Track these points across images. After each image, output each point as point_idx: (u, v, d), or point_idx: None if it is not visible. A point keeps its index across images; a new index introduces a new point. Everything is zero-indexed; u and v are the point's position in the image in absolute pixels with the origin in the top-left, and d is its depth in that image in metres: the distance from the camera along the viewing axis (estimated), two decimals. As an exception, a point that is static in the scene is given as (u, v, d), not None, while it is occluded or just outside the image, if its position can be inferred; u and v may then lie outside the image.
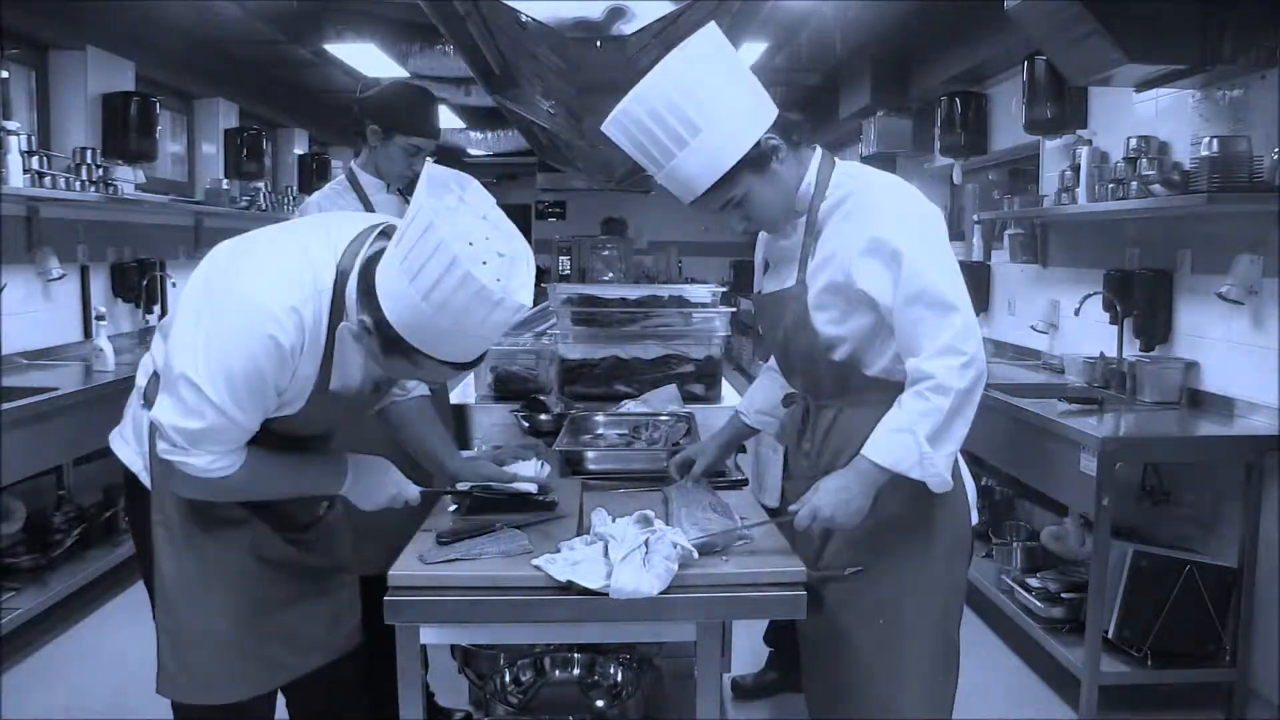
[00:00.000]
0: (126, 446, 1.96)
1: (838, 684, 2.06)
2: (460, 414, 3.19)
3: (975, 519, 2.09)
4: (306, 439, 1.93)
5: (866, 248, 1.86)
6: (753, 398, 2.31)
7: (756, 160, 1.86)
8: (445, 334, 1.60)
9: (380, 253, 1.65)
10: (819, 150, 1.99)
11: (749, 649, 3.45)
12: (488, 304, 1.56)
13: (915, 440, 1.81)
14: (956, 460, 1.94)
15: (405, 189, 2.82)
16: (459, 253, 1.52)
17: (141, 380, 1.94)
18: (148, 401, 1.87)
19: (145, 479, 1.92)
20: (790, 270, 2.00)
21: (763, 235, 2.14)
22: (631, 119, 1.82)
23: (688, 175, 1.84)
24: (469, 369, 1.76)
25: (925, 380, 1.82)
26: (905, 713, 1.98)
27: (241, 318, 1.66)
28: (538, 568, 1.73)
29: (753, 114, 1.86)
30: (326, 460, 1.94)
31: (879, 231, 1.85)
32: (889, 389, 1.90)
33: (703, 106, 1.79)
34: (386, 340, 1.63)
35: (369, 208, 2.77)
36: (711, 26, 1.87)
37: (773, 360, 2.27)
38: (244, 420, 1.70)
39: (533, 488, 2.09)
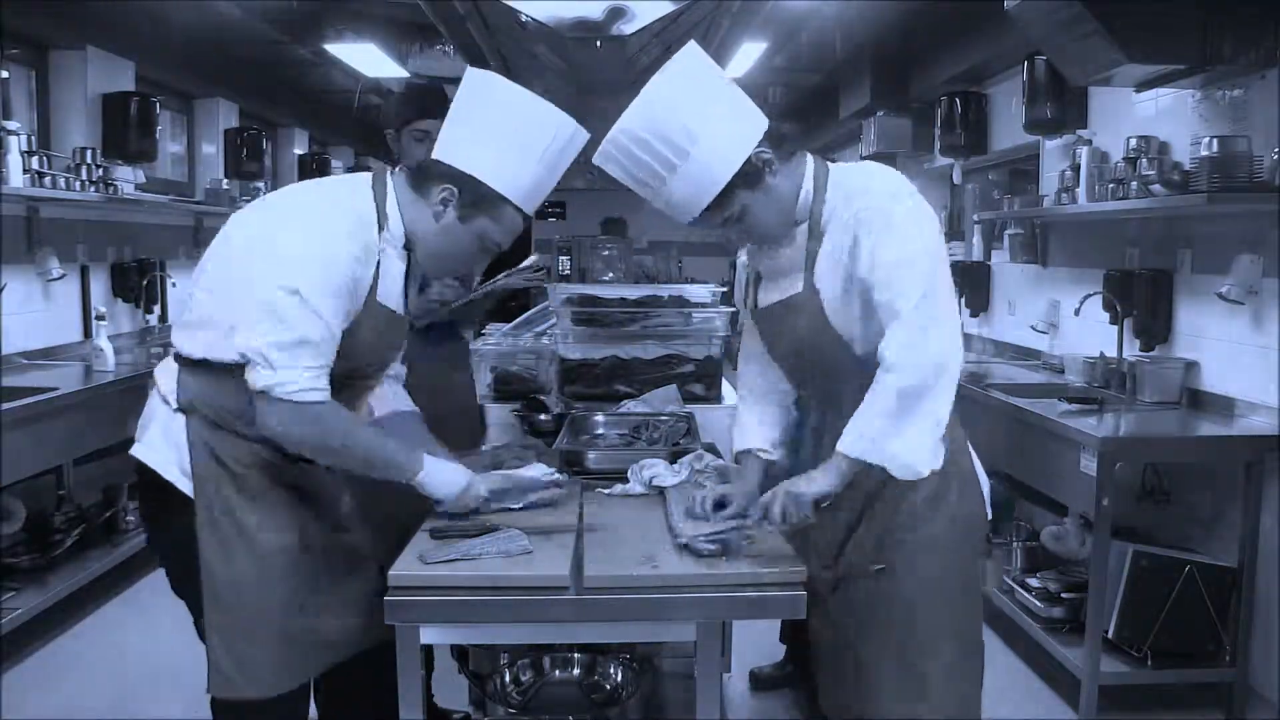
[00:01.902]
0: (156, 453, 1.93)
1: (859, 684, 2.03)
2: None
3: (990, 515, 2.10)
4: (345, 380, 1.94)
5: (860, 238, 1.87)
6: (763, 431, 2.14)
7: (749, 176, 1.85)
8: (526, 172, 1.87)
9: (414, 170, 1.94)
10: (810, 157, 1.96)
11: (768, 641, 3.45)
12: (566, 126, 1.91)
13: (870, 426, 1.82)
14: (971, 458, 1.99)
15: None
16: (528, 94, 1.85)
17: (165, 384, 1.94)
18: (181, 405, 1.90)
19: (183, 484, 1.91)
20: (793, 279, 1.98)
21: (749, 249, 2.13)
22: (619, 148, 1.83)
23: (682, 199, 1.86)
24: (527, 221, 1.97)
25: (881, 364, 1.83)
26: (929, 714, 1.99)
27: (320, 213, 1.85)
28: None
29: (740, 130, 1.85)
30: (403, 443, 1.98)
31: (865, 218, 1.86)
32: None
33: (688, 129, 1.79)
34: (469, 202, 1.87)
35: None
36: (691, 45, 1.86)
37: (754, 381, 2.18)
38: (335, 323, 1.80)
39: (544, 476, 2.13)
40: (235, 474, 1.90)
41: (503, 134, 1.87)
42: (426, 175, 1.91)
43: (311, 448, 1.88)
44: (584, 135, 1.96)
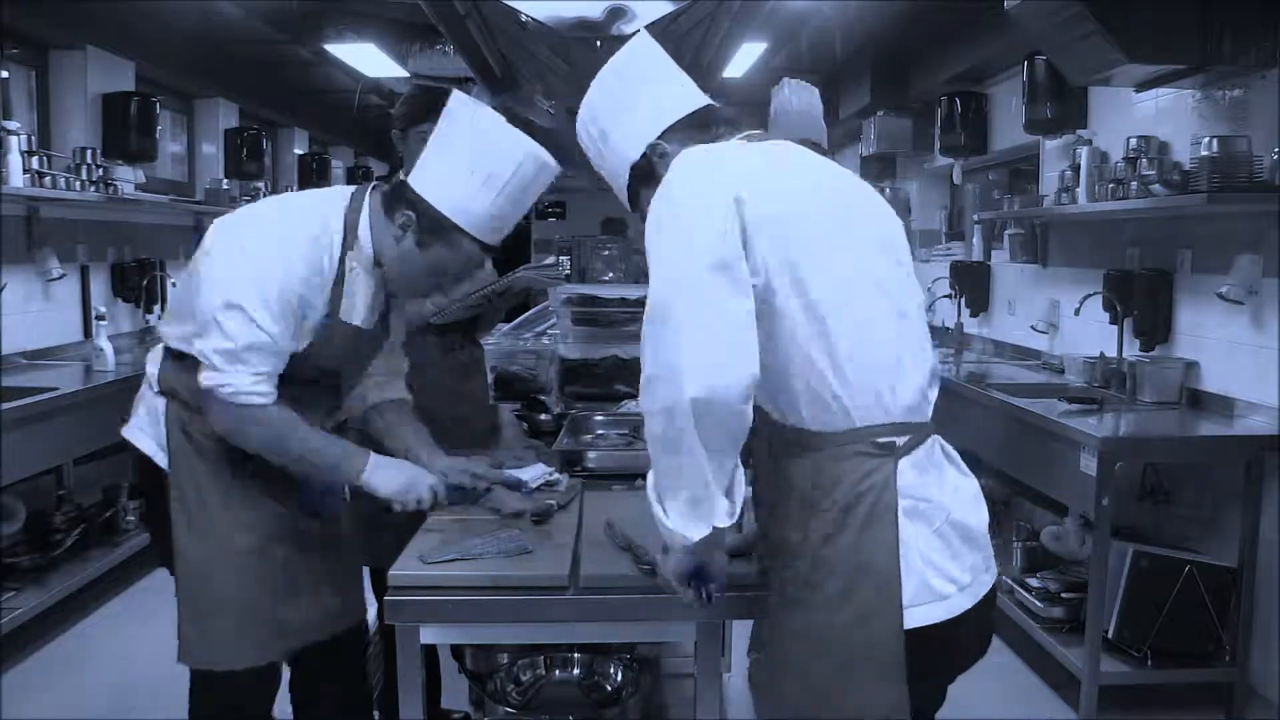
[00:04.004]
0: (143, 434, 2.05)
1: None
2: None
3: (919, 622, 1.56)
4: (317, 383, 2.01)
5: None
6: None
7: (645, 173, 1.69)
8: (485, 203, 1.88)
9: (388, 191, 1.96)
10: (736, 139, 1.68)
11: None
12: (535, 159, 1.89)
13: (650, 497, 1.55)
14: (897, 551, 1.53)
15: None
16: (502, 122, 1.85)
17: (151, 369, 2.05)
18: (162, 389, 2.01)
19: (162, 461, 2.00)
20: None
21: None
22: (581, 140, 1.81)
23: (616, 192, 1.79)
24: (491, 252, 1.99)
25: None
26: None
27: (274, 233, 1.89)
28: None
29: (639, 124, 1.70)
30: (352, 443, 2.03)
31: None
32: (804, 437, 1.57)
33: (598, 123, 1.74)
34: (427, 229, 1.89)
35: None
36: (641, 35, 1.78)
37: None
38: (278, 335, 1.85)
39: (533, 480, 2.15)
40: (205, 453, 1.98)
41: (468, 163, 1.89)
42: (395, 197, 1.94)
43: (257, 446, 1.93)
44: (554, 168, 1.94)
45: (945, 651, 1.61)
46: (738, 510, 1.54)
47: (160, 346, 2.05)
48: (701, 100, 1.74)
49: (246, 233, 1.92)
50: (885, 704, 1.54)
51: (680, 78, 1.76)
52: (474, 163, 1.88)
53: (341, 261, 1.93)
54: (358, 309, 1.99)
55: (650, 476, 1.55)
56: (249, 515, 1.99)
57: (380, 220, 1.95)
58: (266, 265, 1.85)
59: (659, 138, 1.68)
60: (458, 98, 1.94)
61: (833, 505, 1.54)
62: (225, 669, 1.99)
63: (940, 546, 1.56)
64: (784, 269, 1.50)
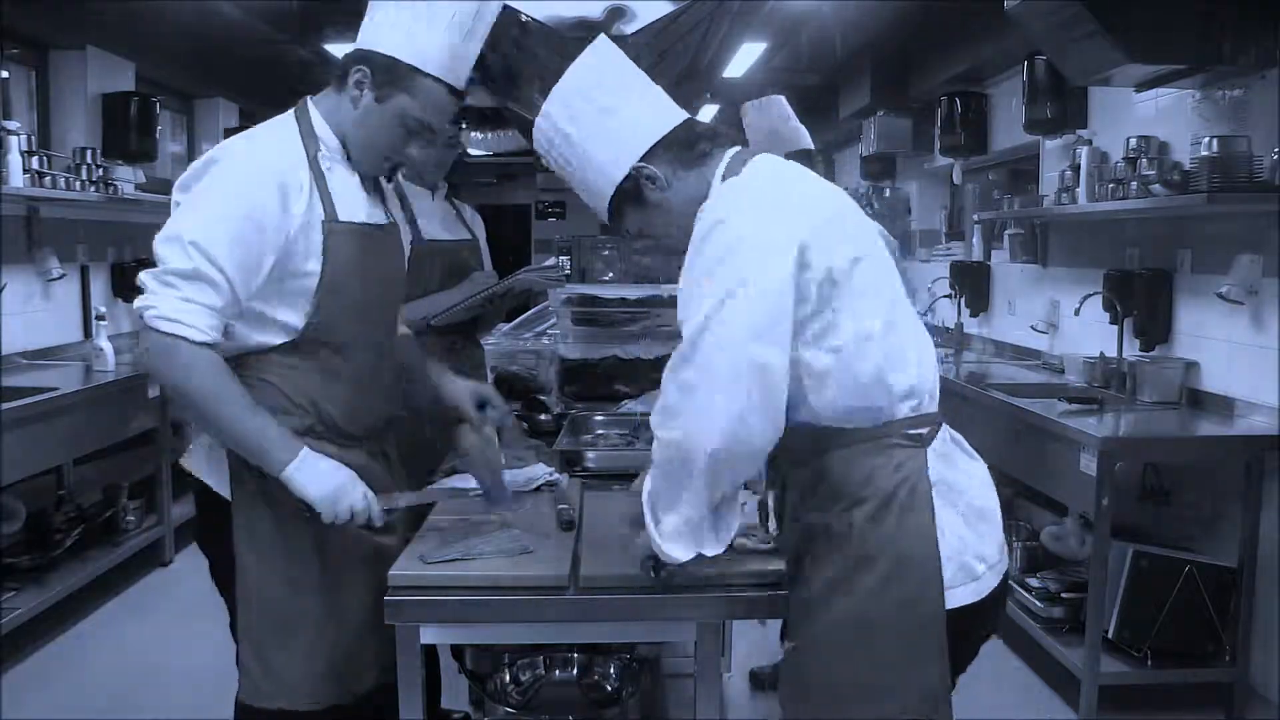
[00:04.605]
0: (202, 465, 1.94)
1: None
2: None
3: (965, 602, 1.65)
4: (345, 348, 1.88)
5: None
6: None
7: (631, 195, 1.68)
8: (434, 36, 1.79)
9: (338, 68, 1.88)
10: (728, 154, 1.68)
11: (768, 640, 3.44)
12: None
13: (645, 502, 1.62)
14: (934, 537, 1.60)
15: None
16: None
17: None
18: None
19: (223, 489, 1.89)
20: None
21: None
22: (540, 142, 1.74)
23: (591, 205, 1.75)
24: (461, 96, 1.89)
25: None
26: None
27: (226, 170, 1.76)
28: None
29: (620, 145, 1.66)
30: (288, 432, 1.80)
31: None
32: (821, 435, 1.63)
33: (571, 141, 1.68)
34: (384, 82, 1.80)
35: (412, 215, 2.77)
36: (600, 41, 1.73)
37: None
38: (219, 261, 1.69)
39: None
40: (270, 482, 1.81)
41: (409, 5, 1.83)
42: (344, 67, 1.87)
43: (178, 395, 1.75)
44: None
45: (974, 629, 1.69)
46: (728, 542, 1.61)
47: None
48: (679, 115, 1.72)
49: (205, 174, 1.80)
50: (930, 685, 1.60)
51: (652, 90, 1.72)
52: (415, 3, 1.82)
53: (315, 164, 1.83)
54: (357, 204, 1.88)
55: (647, 483, 1.60)
56: (320, 548, 1.87)
57: (332, 102, 1.88)
58: (204, 197, 1.76)
59: (642, 159, 1.66)
60: None
61: (874, 494, 1.60)
62: (297, 708, 1.88)
63: (966, 529, 1.64)
64: (834, 290, 1.54)
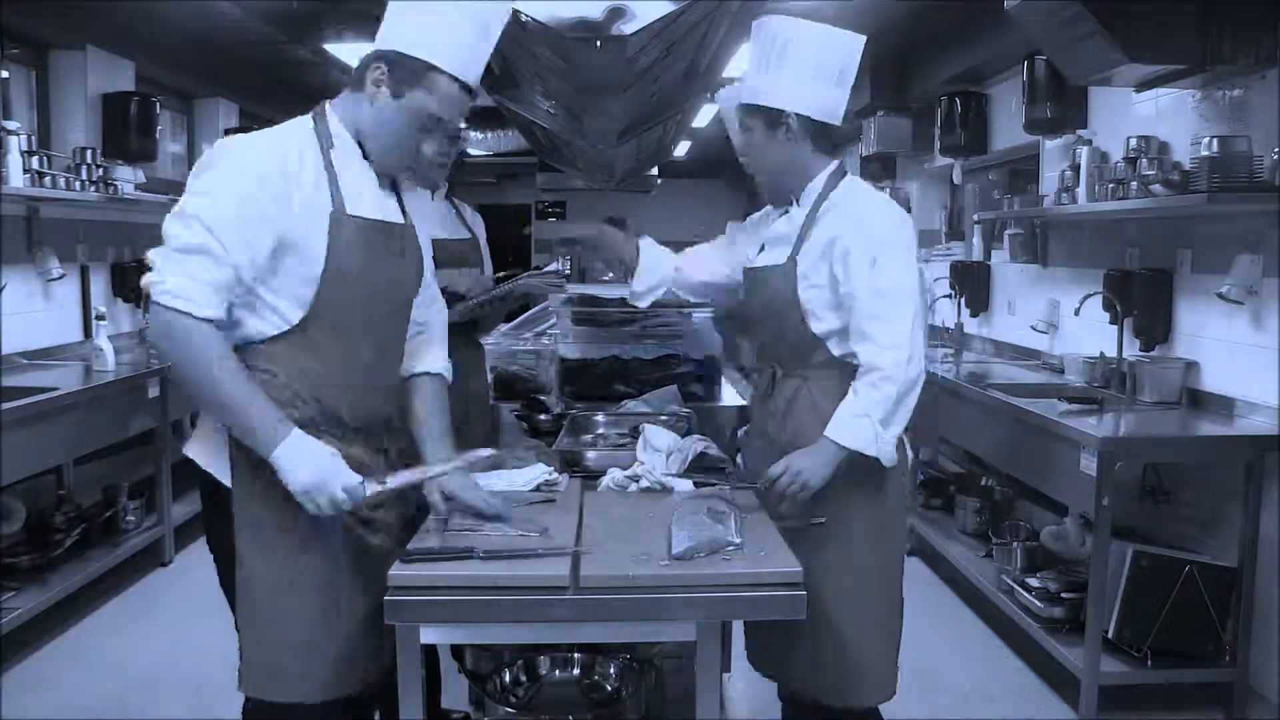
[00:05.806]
0: (205, 451, 1.94)
1: (800, 630, 2.09)
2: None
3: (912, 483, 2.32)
4: (353, 338, 1.91)
5: (850, 245, 2.19)
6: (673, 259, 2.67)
7: (772, 118, 2.25)
8: (450, 33, 1.87)
9: (355, 68, 1.93)
10: (835, 164, 2.32)
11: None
12: None
13: (871, 424, 2.13)
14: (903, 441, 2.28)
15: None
16: None
17: None
18: None
19: (223, 475, 1.90)
20: (784, 251, 2.30)
21: (763, 218, 2.46)
22: (771, 33, 2.26)
23: (749, 89, 2.29)
24: (473, 94, 1.96)
25: (876, 371, 2.14)
26: (867, 651, 2.24)
27: (233, 156, 1.82)
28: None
29: (801, 93, 2.24)
30: (278, 412, 1.80)
31: (863, 235, 2.20)
32: (846, 369, 2.21)
33: (785, 58, 2.23)
34: (401, 79, 1.86)
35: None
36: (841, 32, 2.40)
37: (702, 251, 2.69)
38: (232, 247, 1.75)
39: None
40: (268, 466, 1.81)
41: (427, 5, 1.89)
42: (361, 68, 1.92)
43: (178, 370, 1.80)
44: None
45: None
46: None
47: None
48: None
49: (218, 152, 1.86)
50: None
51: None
52: (430, 3, 1.89)
53: (327, 157, 1.87)
54: (367, 201, 1.91)
55: (885, 410, 2.14)
56: (322, 542, 1.88)
57: (349, 101, 1.93)
58: (211, 179, 1.80)
59: (798, 113, 2.28)
60: None
61: None
62: (298, 700, 1.89)
63: None
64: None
